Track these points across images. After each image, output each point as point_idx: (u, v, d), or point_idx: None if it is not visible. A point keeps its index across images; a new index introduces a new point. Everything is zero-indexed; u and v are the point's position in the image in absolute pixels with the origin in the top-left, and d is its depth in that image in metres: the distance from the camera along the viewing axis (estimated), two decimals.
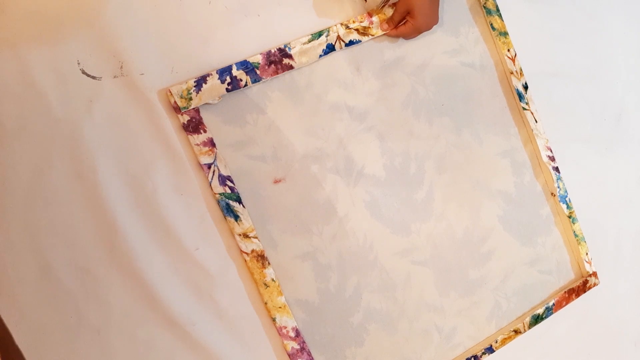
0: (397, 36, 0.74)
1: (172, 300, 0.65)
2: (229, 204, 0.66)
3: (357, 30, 0.71)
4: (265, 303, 0.68)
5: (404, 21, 0.72)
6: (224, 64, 0.66)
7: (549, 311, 0.84)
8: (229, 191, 0.66)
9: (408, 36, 0.74)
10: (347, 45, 0.71)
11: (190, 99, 0.64)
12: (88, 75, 0.61)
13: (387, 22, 0.72)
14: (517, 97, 0.81)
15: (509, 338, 0.81)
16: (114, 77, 0.62)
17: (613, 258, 0.93)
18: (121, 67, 0.62)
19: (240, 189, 0.67)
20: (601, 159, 0.91)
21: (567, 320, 0.88)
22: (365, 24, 0.72)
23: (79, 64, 0.60)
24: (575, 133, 0.89)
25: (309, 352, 0.70)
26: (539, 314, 0.83)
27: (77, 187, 0.61)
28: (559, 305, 0.84)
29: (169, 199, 0.65)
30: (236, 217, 0.66)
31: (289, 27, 0.70)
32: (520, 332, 0.81)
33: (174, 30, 0.64)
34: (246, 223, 0.67)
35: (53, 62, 0.60)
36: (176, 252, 0.66)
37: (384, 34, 0.73)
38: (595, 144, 0.91)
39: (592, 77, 0.90)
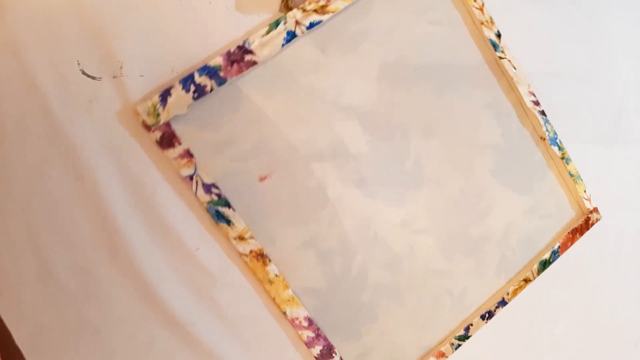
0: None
1: (172, 301, 0.66)
2: (218, 211, 0.66)
3: (315, 11, 0.69)
4: (273, 299, 0.69)
5: None
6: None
7: (555, 254, 0.84)
8: (216, 198, 0.66)
9: None
10: (308, 28, 0.69)
11: (158, 114, 0.63)
12: (88, 76, 0.61)
13: None
14: (491, 47, 0.79)
15: (520, 288, 0.82)
16: (114, 77, 0.62)
17: (613, 258, 0.93)
18: (121, 68, 0.62)
19: (227, 192, 0.67)
20: (601, 159, 0.91)
21: (567, 320, 0.89)
22: (323, 2, 0.69)
23: (79, 64, 0.60)
24: (575, 133, 0.88)
25: (325, 337, 0.72)
26: (546, 259, 0.83)
27: (77, 187, 0.61)
28: (564, 247, 0.85)
29: (168, 199, 0.65)
30: (228, 222, 0.66)
31: None
32: (530, 280, 0.82)
33: (174, 31, 0.64)
34: (239, 225, 0.67)
35: (53, 62, 0.60)
36: (176, 252, 0.66)
37: None
38: (595, 143, 0.90)
39: (592, 77, 0.90)
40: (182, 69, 0.64)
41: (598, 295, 0.92)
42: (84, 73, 0.60)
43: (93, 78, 0.61)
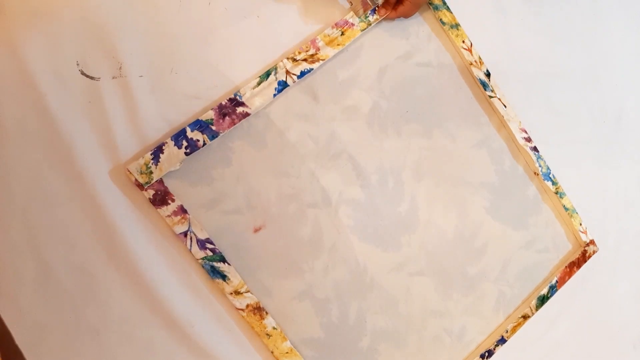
0: (398, 17, 0.73)
1: (171, 302, 0.65)
2: (213, 266, 0.65)
3: (305, 60, 0.69)
4: (272, 352, 0.68)
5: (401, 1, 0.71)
6: (223, 63, 0.66)
7: (553, 289, 0.84)
8: (210, 254, 0.65)
9: (408, 14, 0.73)
10: (299, 77, 0.69)
11: (151, 172, 0.62)
12: (87, 76, 0.61)
13: (383, 7, 0.72)
14: (481, 87, 0.79)
15: (519, 325, 0.81)
16: (113, 77, 0.62)
17: (613, 259, 0.93)
18: (120, 68, 0.62)
19: (221, 247, 0.67)
20: (601, 161, 0.92)
21: (567, 322, 0.89)
22: (312, 51, 0.70)
23: (78, 64, 0.60)
24: (575, 135, 0.89)
25: None
26: (544, 294, 0.83)
27: (76, 188, 0.61)
28: (562, 281, 0.84)
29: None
30: (224, 277, 0.66)
31: (289, 28, 0.70)
32: (528, 317, 0.82)
33: (173, 31, 0.64)
34: (235, 280, 0.66)
35: (53, 62, 0.60)
36: (175, 253, 0.65)
37: (384, 18, 0.72)
38: (595, 145, 0.91)
39: (591, 79, 0.90)
40: (182, 69, 0.65)
41: (596, 297, 0.92)
42: (83, 74, 0.60)
43: (92, 78, 0.61)
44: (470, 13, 0.80)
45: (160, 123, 0.64)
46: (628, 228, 0.94)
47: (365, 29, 0.72)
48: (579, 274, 0.89)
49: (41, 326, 0.60)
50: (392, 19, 0.74)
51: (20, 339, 0.59)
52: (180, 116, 0.65)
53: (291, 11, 0.70)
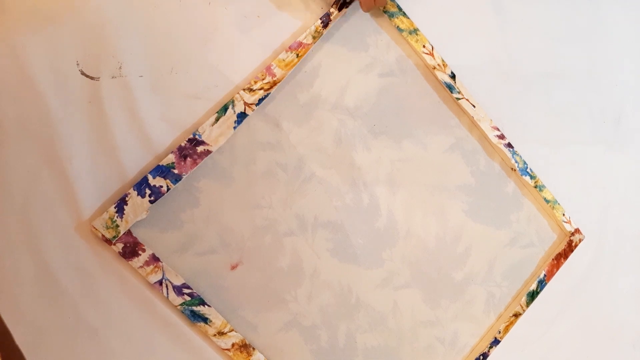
0: (376, 5, 0.71)
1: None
2: (193, 310, 0.64)
3: (262, 88, 0.68)
4: None
5: None
6: (223, 63, 0.66)
7: (542, 283, 0.83)
8: (188, 298, 0.64)
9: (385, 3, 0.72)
10: (257, 104, 0.68)
11: (117, 225, 0.61)
12: (87, 76, 0.60)
13: None
14: (447, 89, 0.78)
15: (511, 324, 0.81)
16: (112, 77, 0.61)
17: (613, 260, 0.93)
18: (120, 68, 0.61)
19: (199, 289, 0.66)
20: (601, 161, 0.91)
21: (566, 322, 0.88)
22: (268, 79, 0.68)
23: (78, 64, 0.60)
24: (574, 135, 0.88)
25: None
26: (533, 289, 0.82)
27: (75, 188, 0.61)
28: (550, 274, 0.84)
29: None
30: (205, 320, 0.65)
31: (288, 28, 0.69)
32: (520, 314, 0.81)
33: (173, 31, 0.64)
34: (217, 321, 0.65)
35: (53, 62, 0.59)
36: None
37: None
38: (594, 146, 0.90)
39: (591, 79, 0.90)
40: (182, 69, 0.65)
41: (596, 297, 0.92)
42: (83, 73, 0.60)
43: (92, 78, 0.60)
44: (470, 15, 0.80)
45: (160, 124, 0.64)
46: (628, 228, 0.94)
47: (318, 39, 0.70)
48: (580, 273, 0.89)
49: (41, 326, 0.60)
50: (371, 8, 0.71)
51: (20, 339, 0.59)
52: (181, 116, 0.65)
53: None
